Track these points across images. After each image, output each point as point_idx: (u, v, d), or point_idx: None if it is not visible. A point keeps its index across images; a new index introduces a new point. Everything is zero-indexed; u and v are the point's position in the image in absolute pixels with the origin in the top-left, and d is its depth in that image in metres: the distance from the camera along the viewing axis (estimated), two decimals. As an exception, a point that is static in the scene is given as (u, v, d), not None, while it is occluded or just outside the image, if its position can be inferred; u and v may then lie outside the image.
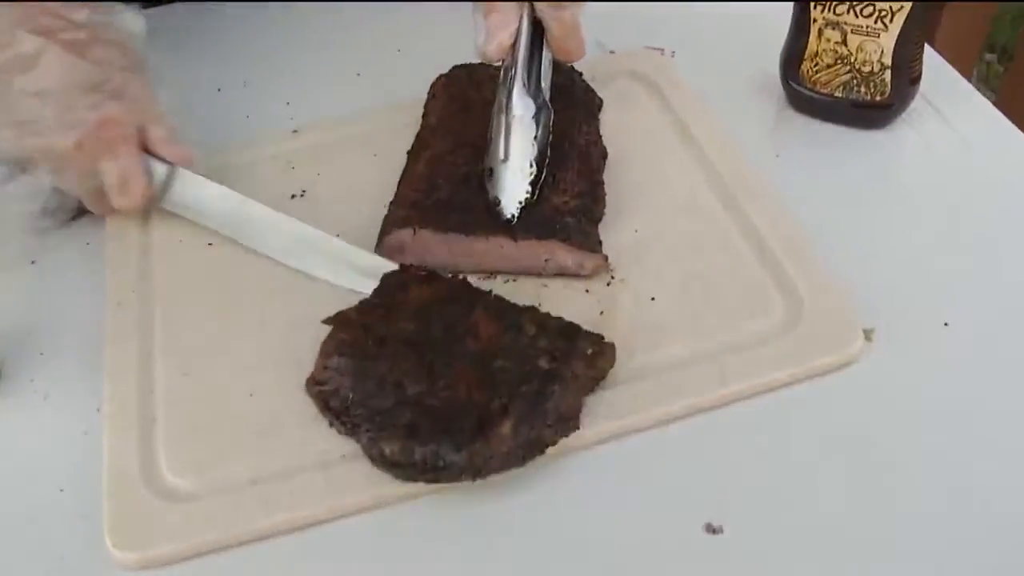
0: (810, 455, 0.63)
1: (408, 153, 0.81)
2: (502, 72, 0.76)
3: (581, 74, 0.86)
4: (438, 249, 0.73)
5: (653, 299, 0.71)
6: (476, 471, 0.60)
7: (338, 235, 0.76)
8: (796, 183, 0.80)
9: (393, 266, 0.72)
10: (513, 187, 0.73)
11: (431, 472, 0.60)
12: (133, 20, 0.81)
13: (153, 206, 0.78)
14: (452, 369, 0.64)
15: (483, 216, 0.73)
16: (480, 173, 0.75)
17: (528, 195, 0.73)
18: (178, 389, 0.68)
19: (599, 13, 0.99)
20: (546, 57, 0.77)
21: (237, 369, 0.69)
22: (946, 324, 0.70)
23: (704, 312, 0.70)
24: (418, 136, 0.82)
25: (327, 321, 0.67)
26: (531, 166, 0.74)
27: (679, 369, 0.66)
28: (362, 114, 0.88)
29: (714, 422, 0.65)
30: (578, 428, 0.63)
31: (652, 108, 0.86)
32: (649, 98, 0.87)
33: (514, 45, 0.76)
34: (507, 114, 0.74)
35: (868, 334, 0.68)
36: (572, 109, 0.81)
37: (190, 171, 0.78)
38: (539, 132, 0.74)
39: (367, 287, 0.70)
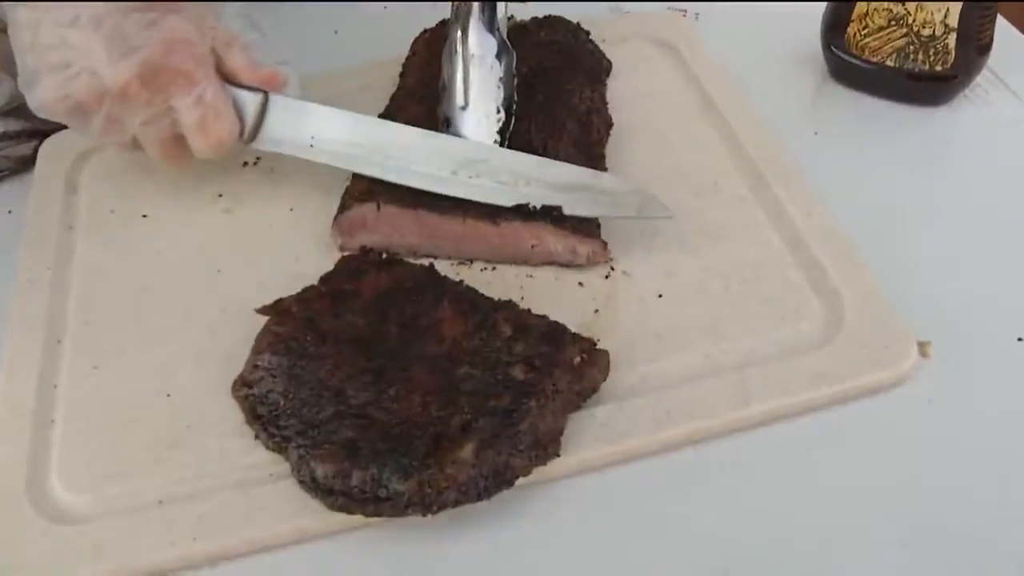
0: (849, 495, 0.50)
1: (380, 117, 0.67)
2: (453, 8, 0.64)
3: (588, 33, 0.73)
4: (406, 229, 0.60)
5: (661, 296, 0.58)
6: (427, 504, 0.47)
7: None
8: (837, 166, 0.67)
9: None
10: (478, 137, 0.61)
11: (371, 503, 0.47)
12: None
13: (242, 147, 0.63)
14: (406, 375, 0.51)
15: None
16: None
17: (497, 144, 0.61)
18: (84, 386, 0.56)
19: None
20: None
21: (155, 365, 0.56)
22: (1020, 339, 0.56)
23: (723, 315, 0.56)
24: (393, 97, 0.69)
25: (262, 311, 0.55)
26: (498, 112, 0.61)
27: (689, 384, 0.53)
28: (332, 73, 0.75)
29: (731, 450, 0.52)
30: (558, 455, 0.50)
31: (670, 75, 0.73)
32: (666, 64, 0.74)
33: None
34: (464, 53, 0.62)
35: (923, 348, 0.55)
36: (573, 70, 0.68)
37: (283, 96, 0.63)
38: (504, 73, 0.62)
39: (569, 204, 0.58)
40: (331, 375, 0.51)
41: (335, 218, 0.61)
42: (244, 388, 0.52)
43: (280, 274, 0.59)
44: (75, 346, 0.58)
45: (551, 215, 0.58)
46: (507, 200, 0.59)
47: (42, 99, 0.59)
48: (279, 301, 0.55)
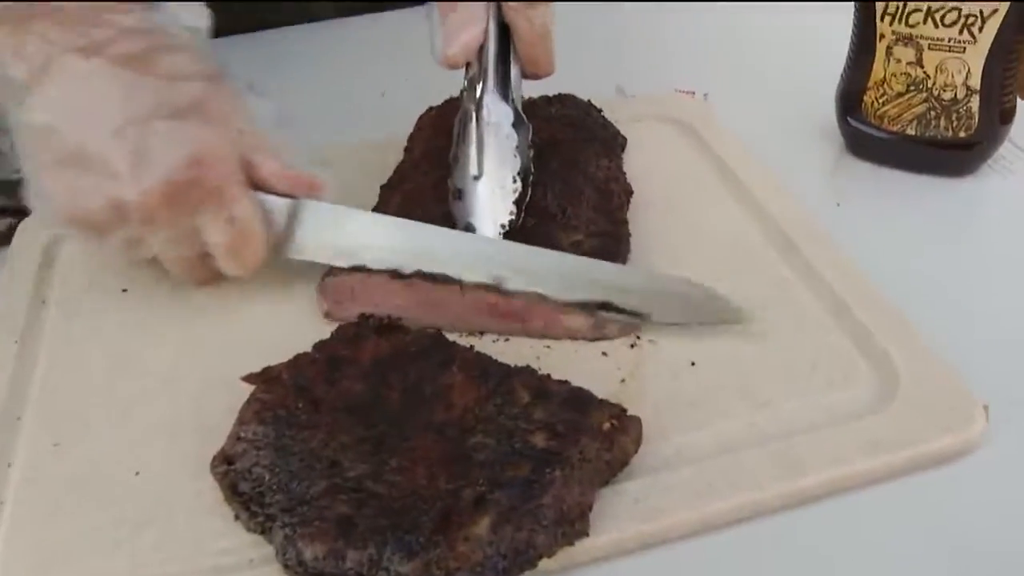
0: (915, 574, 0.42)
1: (382, 188, 0.62)
2: (466, 82, 0.59)
3: (600, 110, 0.69)
4: (397, 299, 0.54)
5: (693, 364, 0.51)
6: (436, 590, 0.39)
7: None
8: (863, 237, 0.61)
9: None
10: (492, 207, 0.56)
11: (369, 589, 0.39)
12: (194, 13, 0.58)
13: (274, 260, 0.56)
14: (410, 444, 0.44)
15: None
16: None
17: (512, 217, 0.56)
18: (42, 465, 0.48)
19: (620, 56, 0.85)
20: (514, 71, 0.60)
21: (124, 440, 0.49)
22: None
23: (764, 382, 0.50)
24: (397, 169, 0.64)
25: (248, 379, 0.47)
26: (514, 181, 0.56)
27: (731, 454, 0.46)
28: (330, 150, 0.70)
29: (781, 527, 0.44)
30: (587, 534, 0.42)
31: (685, 150, 0.69)
32: (681, 140, 0.70)
33: (481, 49, 0.59)
34: (479, 122, 0.57)
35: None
36: (587, 142, 0.64)
37: (317, 201, 0.56)
38: (520, 143, 0.57)
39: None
40: (324, 445, 0.44)
41: (320, 283, 0.55)
42: (224, 464, 0.45)
43: (271, 346, 0.51)
44: (36, 421, 0.50)
45: None
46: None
47: (56, 218, 0.53)
48: (268, 368, 0.48)
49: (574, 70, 0.75)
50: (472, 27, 0.58)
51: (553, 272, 0.53)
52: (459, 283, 0.53)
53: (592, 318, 0.53)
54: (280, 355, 0.49)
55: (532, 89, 0.66)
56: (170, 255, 0.55)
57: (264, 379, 0.47)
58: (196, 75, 0.54)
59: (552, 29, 0.60)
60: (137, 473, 0.46)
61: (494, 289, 0.53)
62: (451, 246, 0.54)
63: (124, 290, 0.58)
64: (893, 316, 0.52)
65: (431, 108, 0.69)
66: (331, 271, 0.55)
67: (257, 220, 0.54)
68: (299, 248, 0.56)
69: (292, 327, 0.54)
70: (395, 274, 0.54)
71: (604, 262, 0.54)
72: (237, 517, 0.43)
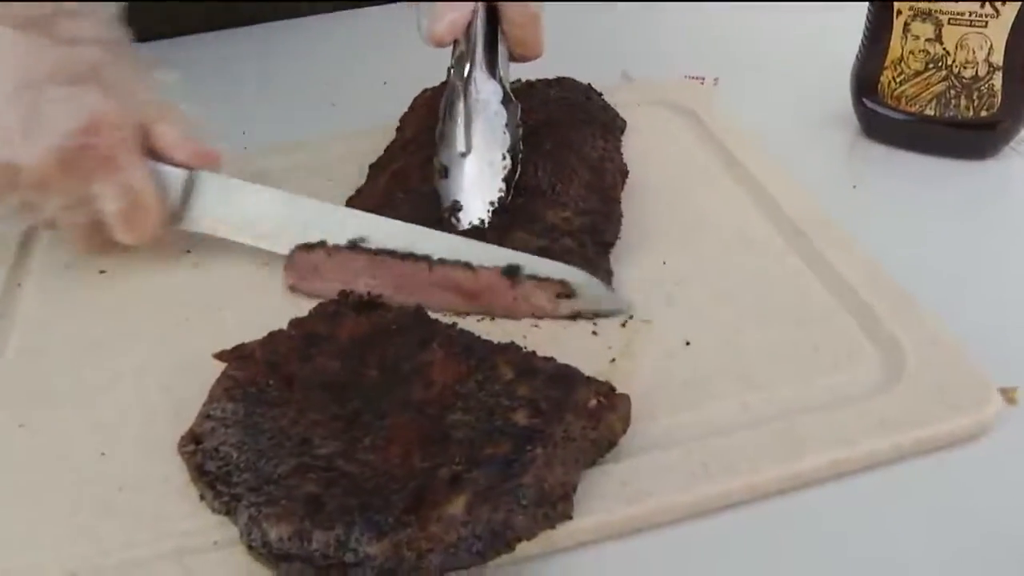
0: (923, 563, 0.40)
1: (370, 167, 0.61)
2: (454, 59, 0.59)
3: (600, 94, 0.67)
4: (364, 276, 0.53)
5: (688, 344, 0.49)
6: (406, 571, 0.37)
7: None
8: (880, 221, 0.59)
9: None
10: (480, 185, 0.54)
11: (336, 570, 0.37)
12: None
13: (170, 230, 0.56)
14: (385, 423, 0.42)
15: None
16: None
17: (502, 194, 0.54)
18: (6, 446, 0.46)
19: (629, 41, 0.83)
20: (502, 53, 0.59)
21: (93, 422, 0.47)
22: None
23: (763, 363, 0.47)
24: (387, 149, 0.63)
25: (220, 356, 0.46)
26: (504, 158, 0.55)
27: (727, 435, 0.43)
28: (320, 139, 0.69)
29: (779, 512, 0.41)
30: (570, 517, 0.40)
31: (686, 134, 0.67)
32: (682, 125, 0.68)
33: (468, 28, 0.58)
34: (467, 99, 0.56)
35: (1008, 394, 0.45)
36: (585, 123, 0.62)
37: (215, 174, 0.57)
38: (508, 120, 0.56)
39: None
40: (295, 423, 0.42)
41: (286, 259, 0.54)
42: (192, 443, 0.43)
43: (248, 327, 0.49)
44: (2, 403, 0.49)
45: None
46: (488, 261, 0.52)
47: None
48: (241, 346, 0.47)
49: (581, 55, 0.74)
50: (460, 6, 0.57)
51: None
52: (427, 262, 0.52)
53: (555, 298, 0.51)
54: (259, 334, 0.48)
55: (533, 73, 0.65)
56: (65, 221, 0.55)
57: (237, 356, 0.46)
58: (96, 41, 0.54)
59: (542, 10, 0.59)
60: (103, 454, 0.45)
61: (462, 266, 0.52)
62: (341, 220, 0.54)
63: (102, 271, 0.57)
64: (901, 299, 0.50)
65: (426, 90, 0.68)
66: (297, 246, 0.54)
67: (151, 189, 0.54)
68: (194, 220, 0.56)
69: (272, 308, 0.52)
70: (359, 249, 0.53)
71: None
72: (203, 497, 0.42)
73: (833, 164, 0.67)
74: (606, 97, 0.68)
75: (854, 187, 0.63)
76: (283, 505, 0.39)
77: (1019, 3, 0.57)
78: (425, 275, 0.52)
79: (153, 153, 0.55)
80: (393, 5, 0.91)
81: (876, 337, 0.48)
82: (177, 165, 0.55)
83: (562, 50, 0.67)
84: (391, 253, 0.52)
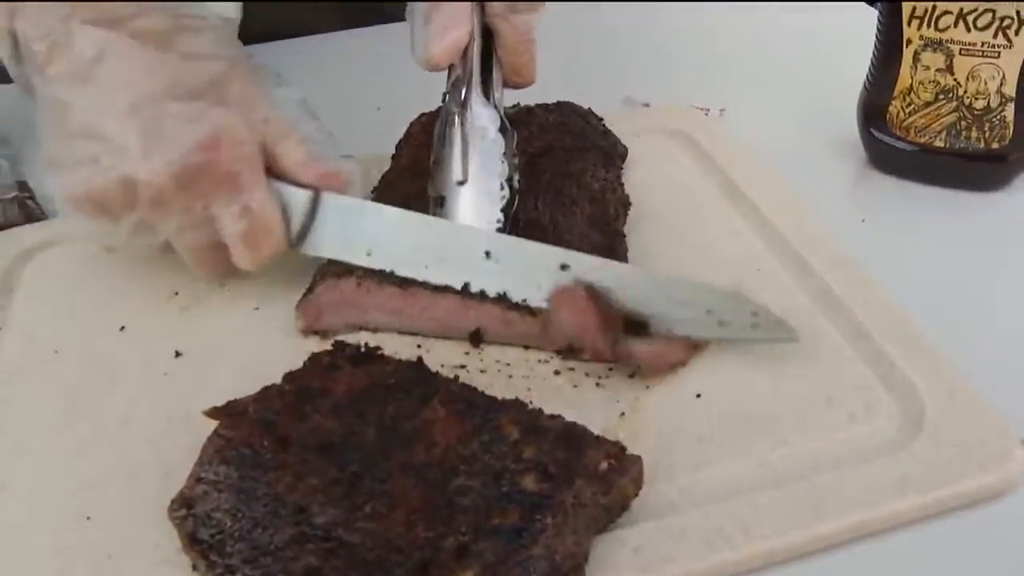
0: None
1: (370, 195, 0.60)
2: (449, 85, 0.58)
3: (601, 119, 0.67)
4: (383, 307, 0.53)
5: (699, 396, 0.48)
6: (412, 652, 0.36)
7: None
8: (890, 255, 0.59)
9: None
10: (477, 215, 0.54)
11: (338, 651, 0.36)
12: (226, 6, 0.58)
13: (291, 255, 0.55)
14: (386, 488, 0.41)
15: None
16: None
17: (500, 224, 0.54)
18: (-14, 510, 0.45)
19: (635, 69, 0.83)
20: (496, 80, 0.58)
21: (77, 483, 0.46)
22: None
23: (778, 416, 0.47)
24: (383, 178, 0.62)
25: (210, 413, 0.45)
26: (502, 188, 0.54)
27: (744, 497, 0.43)
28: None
29: (799, 579, 0.41)
30: (582, 586, 0.39)
31: (689, 164, 0.66)
32: (685, 154, 0.68)
33: (464, 52, 0.57)
34: (463, 127, 0.55)
35: None
36: (585, 150, 0.62)
37: (340, 196, 0.54)
38: (506, 149, 0.55)
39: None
40: (292, 489, 0.41)
41: (303, 298, 0.53)
42: (183, 508, 0.42)
43: (241, 378, 0.48)
44: (-20, 462, 0.48)
45: None
46: None
47: (64, 194, 0.51)
48: (233, 402, 0.45)
49: (586, 81, 0.73)
50: (457, 29, 0.56)
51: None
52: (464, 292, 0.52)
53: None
54: (252, 389, 0.47)
55: (536, 97, 0.64)
56: (182, 243, 0.53)
57: (228, 414, 0.45)
58: (218, 56, 0.53)
59: (536, 37, 0.58)
60: (88, 518, 0.44)
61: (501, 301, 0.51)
62: (476, 244, 0.52)
63: (87, 315, 0.56)
64: (918, 343, 0.49)
65: (422, 115, 0.67)
66: (316, 282, 0.53)
67: (275, 211, 0.52)
68: (316, 244, 0.54)
69: (267, 361, 0.50)
70: (388, 280, 0.52)
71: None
72: (195, 568, 0.41)
73: (840, 196, 0.66)
74: (608, 125, 0.67)
75: (863, 221, 0.63)
76: (281, 579, 0.38)
77: (1033, 34, 0.57)
78: (438, 305, 0.52)
79: (277, 173, 0.53)
80: (385, 26, 0.90)
81: (892, 386, 0.48)
82: (302, 186, 0.54)
83: (566, 74, 0.66)
84: (424, 285, 0.52)
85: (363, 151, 0.67)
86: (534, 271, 0.51)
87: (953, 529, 0.43)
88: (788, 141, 0.71)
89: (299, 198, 0.53)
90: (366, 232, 0.53)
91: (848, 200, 0.66)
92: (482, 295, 0.51)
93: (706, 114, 0.74)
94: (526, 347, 0.52)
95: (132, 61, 0.50)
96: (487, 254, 0.52)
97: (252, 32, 0.87)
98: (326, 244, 0.54)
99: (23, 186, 0.68)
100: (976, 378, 0.48)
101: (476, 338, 0.52)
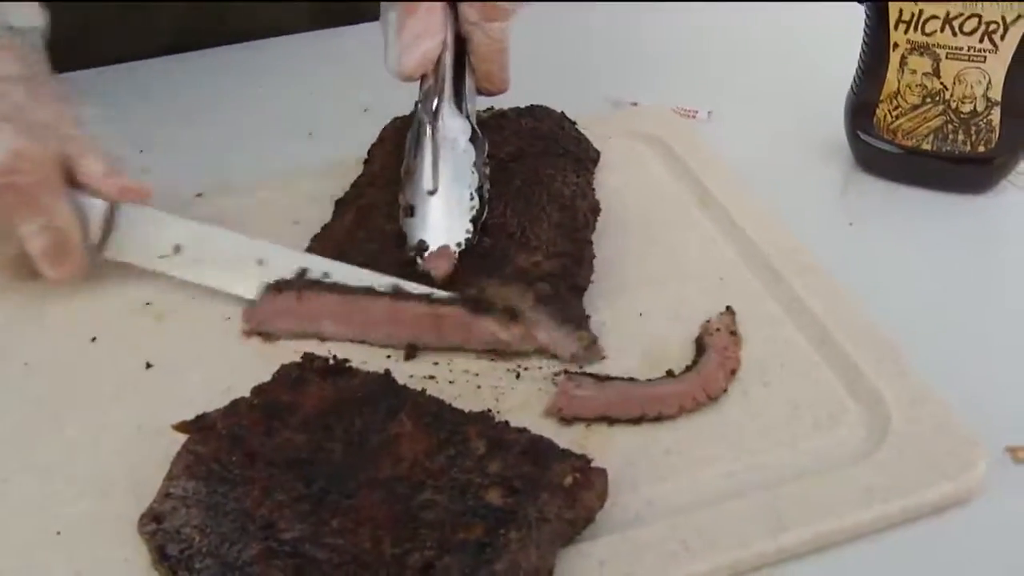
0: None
1: (337, 203, 0.64)
2: (421, 93, 0.61)
3: (574, 123, 0.70)
4: (335, 318, 0.56)
5: (668, 405, 0.51)
6: (376, 666, 0.39)
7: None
8: (877, 259, 0.62)
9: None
10: (448, 225, 0.57)
11: (304, 666, 0.39)
12: (26, 12, 0.63)
13: (93, 262, 0.60)
14: (353, 503, 0.44)
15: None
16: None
17: (469, 235, 0.57)
18: (-46, 526, 0.48)
19: (621, 70, 0.86)
20: (469, 87, 0.62)
21: (45, 496, 0.49)
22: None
23: (744, 425, 0.50)
24: (355, 184, 0.65)
25: (179, 427, 0.48)
26: (472, 198, 0.57)
27: (709, 507, 0.45)
28: (287, 174, 0.71)
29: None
30: (546, 601, 0.42)
31: (661, 169, 0.70)
32: (659, 159, 0.71)
33: (437, 62, 0.60)
34: (434, 136, 0.59)
35: (1016, 452, 0.48)
36: (556, 156, 0.65)
37: (137, 206, 0.60)
38: (476, 158, 0.59)
39: None
40: (259, 504, 0.44)
41: (252, 306, 0.57)
42: (152, 523, 0.45)
43: (211, 389, 0.52)
44: (-53, 477, 0.50)
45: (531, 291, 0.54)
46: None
47: None
48: (202, 416, 0.48)
49: (572, 80, 0.76)
50: (430, 38, 0.59)
51: None
52: (394, 300, 0.55)
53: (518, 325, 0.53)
54: (222, 400, 0.49)
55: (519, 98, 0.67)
56: None
57: (198, 428, 0.48)
58: (16, 78, 0.59)
59: (508, 45, 0.61)
60: (58, 533, 0.46)
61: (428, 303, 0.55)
62: (239, 257, 0.59)
63: (54, 323, 0.59)
64: (885, 351, 0.52)
65: (396, 119, 0.69)
66: (267, 287, 0.57)
67: (74, 227, 0.58)
68: (118, 251, 0.61)
69: (235, 364, 0.55)
70: (330, 288, 0.57)
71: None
72: (164, 583, 0.44)
73: (827, 199, 0.69)
74: (582, 128, 0.70)
75: (850, 224, 0.65)
76: (247, 596, 0.41)
77: (1018, 38, 0.59)
78: (393, 312, 0.55)
79: (78, 186, 0.59)
80: (368, 25, 0.92)
81: (858, 394, 0.51)
82: (103, 199, 0.59)
83: (549, 75, 0.68)
84: (357, 291, 0.56)
85: (351, 153, 0.71)
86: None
87: (916, 538, 0.45)
88: (776, 143, 0.73)
89: (97, 208, 0.59)
90: (163, 240, 0.60)
91: (835, 203, 0.68)
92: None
93: (694, 116, 0.77)
94: (493, 358, 0.54)
95: None
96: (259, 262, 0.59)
97: (229, 32, 0.90)
98: (126, 251, 0.60)
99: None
100: (952, 384, 0.51)
101: (412, 350, 0.55)
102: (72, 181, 0.59)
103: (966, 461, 0.46)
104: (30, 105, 0.59)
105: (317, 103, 0.82)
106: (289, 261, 0.58)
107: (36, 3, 0.63)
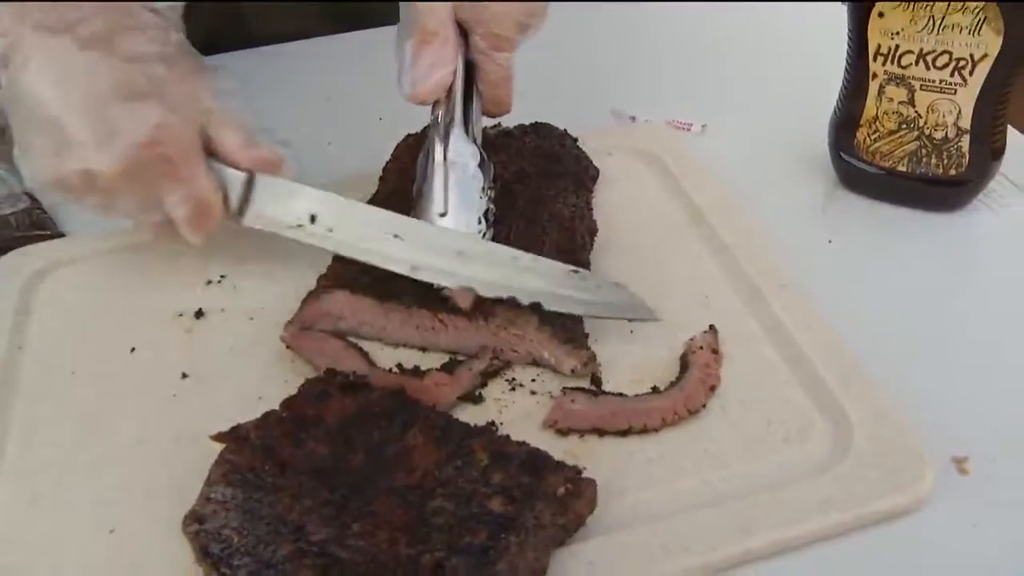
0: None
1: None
2: (433, 119, 0.68)
3: (575, 140, 0.76)
4: (370, 318, 0.64)
5: (653, 418, 0.58)
6: (394, 653, 0.46)
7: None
8: (854, 274, 0.69)
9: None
10: None
11: (331, 653, 0.47)
12: None
13: (231, 227, 0.66)
14: (372, 509, 0.51)
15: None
16: None
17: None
18: (19, 522, 0.55)
19: (623, 82, 0.92)
20: (476, 110, 0.68)
21: (99, 498, 0.56)
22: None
23: (721, 438, 0.57)
24: (371, 200, 0.71)
25: (217, 438, 0.55)
26: (480, 222, 0.64)
27: (686, 514, 0.53)
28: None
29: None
30: (540, 597, 0.49)
31: (657, 188, 0.76)
32: (654, 176, 0.77)
33: (449, 89, 0.67)
34: (445, 162, 0.65)
35: (960, 464, 0.56)
36: (557, 176, 0.71)
37: (271, 176, 0.66)
38: (484, 183, 0.65)
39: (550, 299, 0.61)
40: (290, 509, 0.51)
41: (301, 308, 0.64)
42: (195, 523, 0.52)
43: (241, 398, 0.60)
44: (13, 476, 0.58)
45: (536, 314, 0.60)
46: (490, 292, 0.61)
47: (36, 178, 0.63)
48: (236, 428, 0.55)
49: (571, 93, 0.82)
50: (443, 68, 0.65)
51: (480, 256, 0.62)
52: (433, 310, 0.62)
53: (549, 347, 0.61)
54: (251, 409, 0.57)
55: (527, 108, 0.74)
56: (138, 220, 0.65)
57: (233, 438, 0.55)
58: (156, 56, 0.63)
59: (514, 72, 0.68)
60: (112, 531, 0.54)
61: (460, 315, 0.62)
62: (396, 227, 0.64)
63: (97, 337, 0.66)
64: (853, 370, 0.59)
65: (408, 135, 0.76)
66: (312, 295, 0.64)
67: (213, 195, 0.64)
68: (252, 218, 0.66)
69: (263, 381, 0.62)
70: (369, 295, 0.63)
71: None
72: (207, 578, 0.51)
73: (810, 215, 0.75)
74: (582, 144, 0.76)
75: (829, 242, 0.72)
76: (282, 591, 0.48)
77: (985, 73, 0.66)
78: (428, 321, 0.63)
79: (216, 156, 0.64)
80: (382, 29, 0.98)
81: (826, 410, 0.58)
82: (239, 170, 0.65)
83: (550, 87, 0.74)
84: (399, 300, 0.63)
85: (367, 166, 0.76)
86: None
87: (870, 542, 0.52)
88: (765, 157, 0.80)
89: (236, 178, 0.65)
90: (294, 210, 0.65)
91: (817, 218, 0.75)
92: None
93: (688, 129, 0.83)
94: (496, 373, 0.61)
95: (80, 65, 0.61)
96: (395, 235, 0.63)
97: (246, 35, 0.96)
98: (260, 219, 0.66)
99: (32, 197, 0.78)
100: (916, 397, 0.58)
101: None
102: (210, 151, 0.64)
103: (916, 475, 0.53)
104: (171, 80, 0.63)
105: (330, 111, 0.89)
106: (425, 236, 0.63)
107: None
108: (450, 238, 0.63)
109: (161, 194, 0.63)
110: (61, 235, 0.76)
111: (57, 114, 0.60)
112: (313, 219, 0.65)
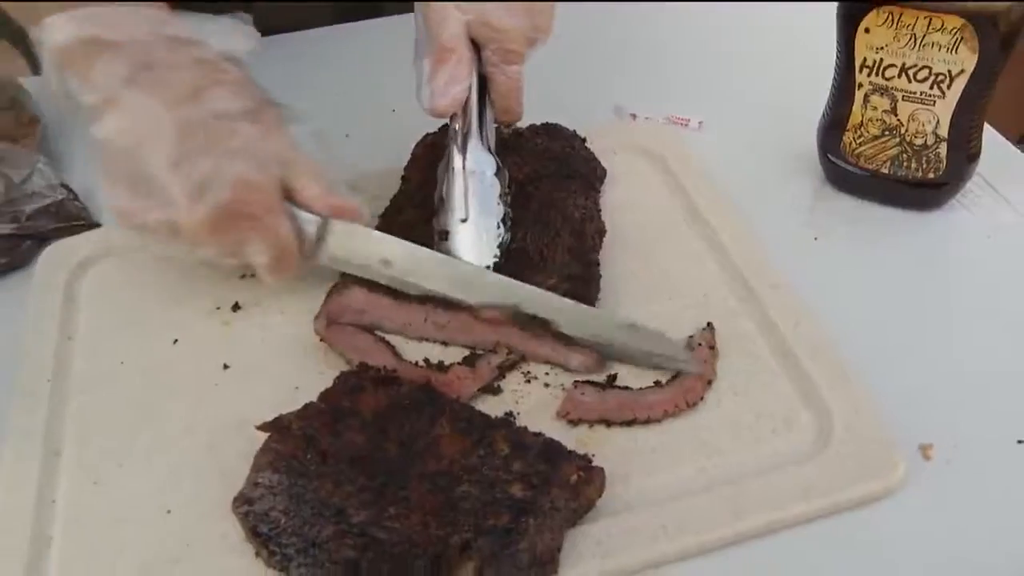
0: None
1: (380, 218, 0.76)
2: (451, 129, 0.73)
3: (584, 140, 0.82)
4: (393, 315, 0.70)
5: (655, 410, 0.65)
6: (427, 625, 0.53)
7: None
8: (838, 271, 0.76)
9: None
10: (478, 250, 0.70)
11: (372, 623, 0.53)
12: (240, 35, 0.72)
13: (304, 269, 0.71)
14: (406, 494, 0.57)
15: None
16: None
17: (497, 259, 0.70)
18: (83, 502, 0.62)
19: (625, 78, 0.97)
20: (488, 119, 0.74)
21: (155, 481, 0.63)
22: (1020, 441, 0.63)
23: (717, 428, 0.64)
24: (393, 200, 0.77)
25: (262, 427, 0.61)
26: (498, 227, 0.70)
27: (683, 498, 0.60)
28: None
29: (725, 564, 0.58)
30: (556, 573, 0.56)
31: (659, 186, 0.82)
32: (657, 175, 0.83)
33: (465, 103, 0.73)
34: (464, 170, 0.71)
35: (925, 451, 0.62)
36: (568, 178, 0.77)
37: (344, 222, 0.71)
38: (501, 190, 0.71)
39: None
40: (332, 494, 0.58)
41: (326, 301, 0.70)
42: (245, 505, 0.59)
43: (279, 388, 0.66)
44: (75, 460, 0.64)
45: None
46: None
47: (120, 223, 0.68)
48: (279, 418, 0.62)
49: (575, 89, 0.87)
50: (459, 84, 0.71)
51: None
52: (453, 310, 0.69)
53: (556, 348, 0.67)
54: (286, 398, 0.64)
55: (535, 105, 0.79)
56: (219, 264, 0.70)
57: (276, 428, 0.61)
58: (240, 113, 0.68)
59: (523, 83, 0.74)
60: (168, 512, 0.61)
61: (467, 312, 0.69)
62: (460, 274, 0.69)
63: (142, 327, 0.72)
64: (836, 366, 0.66)
65: (427, 135, 0.81)
66: (334, 290, 0.70)
67: (292, 242, 0.68)
68: (323, 257, 0.71)
69: (297, 371, 0.68)
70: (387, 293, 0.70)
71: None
72: (258, 554, 0.58)
73: (799, 212, 0.81)
74: (589, 143, 0.82)
75: (815, 239, 0.78)
76: (327, 567, 0.55)
77: (962, 87, 0.72)
78: (444, 319, 0.70)
79: (294, 203, 0.69)
80: (397, 17, 1.02)
81: (810, 403, 0.64)
82: (318, 215, 0.70)
83: (560, 84, 0.79)
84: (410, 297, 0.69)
85: (379, 161, 0.82)
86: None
87: (849, 524, 0.59)
88: (758, 155, 0.86)
89: (310, 222, 0.69)
90: (365, 253, 0.70)
91: (804, 215, 0.81)
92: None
93: (686, 125, 0.89)
94: (512, 366, 0.68)
95: (170, 122, 0.65)
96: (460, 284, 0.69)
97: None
98: (333, 257, 0.70)
99: (68, 188, 0.84)
100: (891, 387, 0.64)
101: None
102: (289, 197, 0.69)
103: (889, 463, 0.60)
104: (255, 135, 0.67)
105: (343, 103, 0.94)
106: (489, 288, 0.69)
107: (250, 26, 0.73)
108: (512, 290, 0.68)
109: (243, 243, 0.67)
110: (97, 225, 0.81)
111: (148, 166, 0.65)
112: (387, 264, 0.70)
